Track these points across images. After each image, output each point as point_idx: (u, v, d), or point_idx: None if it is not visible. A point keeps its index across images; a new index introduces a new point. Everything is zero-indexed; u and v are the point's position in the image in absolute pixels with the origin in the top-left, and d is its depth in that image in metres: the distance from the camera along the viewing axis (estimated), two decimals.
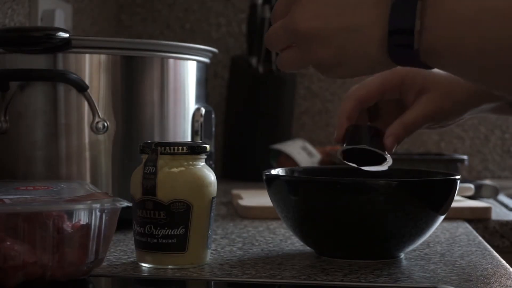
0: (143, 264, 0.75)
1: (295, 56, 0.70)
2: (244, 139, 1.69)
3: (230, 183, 1.54)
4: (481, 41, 0.62)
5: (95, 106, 0.92)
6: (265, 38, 0.73)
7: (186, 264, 0.75)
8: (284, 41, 0.70)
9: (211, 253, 0.81)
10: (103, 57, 0.93)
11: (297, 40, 0.68)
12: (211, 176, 0.77)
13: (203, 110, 1.01)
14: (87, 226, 0.65)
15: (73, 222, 0.65)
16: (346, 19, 0.66)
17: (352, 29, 0.65)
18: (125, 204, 0.67)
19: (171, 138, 0.97)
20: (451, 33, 0.62)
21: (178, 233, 0.74)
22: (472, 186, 1.29)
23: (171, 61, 0.97)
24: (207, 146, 0.77)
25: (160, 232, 0.73)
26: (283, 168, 0.87)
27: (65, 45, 0.90)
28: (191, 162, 0.75)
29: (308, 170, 0.93)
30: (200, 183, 0.75)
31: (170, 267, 0.74)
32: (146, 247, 0.74)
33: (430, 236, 0.92)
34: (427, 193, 0.76)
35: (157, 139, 0.96)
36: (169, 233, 0.73)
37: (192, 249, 0.74)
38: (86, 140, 0.92)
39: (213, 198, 0.76)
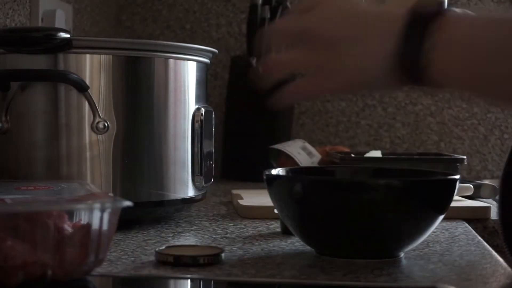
0: None
1: (299, 57, 0.71)
2: (244, 139, 1.70)
3: (230, 183, 1.55)
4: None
5: (95, 106, 0.92)
6: (271, 27, 0.73)
7: None
8: (293, 35, 0.71)
9: None
10: (103, 57, 0.93)
11: (308, 40, 0.69)
12: None
13: (203, 110, 1.01)
14: (88, 226, 0.66)
15: (74, 222, 0.65)
16: (361, 31, 0.67)
17: (364, 41, 0.67)
18: (126, 204, 0.67)
19: (171, 138, 0.97)
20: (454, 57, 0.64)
21: None
22: (471, 186, 1.29)
23: (171, 61, 0.98)
24: None
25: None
26: (283, 168, 0.88)
27: (66, 45, 0.90)
28: None
29: (308, 170, 0.93)
30: None
31: None
32: None
33: (429, 235, 0.92)
34: (426, 193, 0.77)
35: (157, 139, 0.96)
36: None
37: None
38: (87, 140, 0.92)
39: None
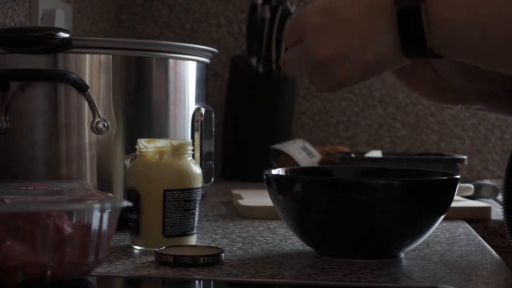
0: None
1: (319, 78, 0.72)
2: (244, 139, 1.70)
3: (230, 183, 1.55)
4: (483, 22, 0.64)
5: (95, 106, 0.92)
6: (281, 63, 0.75)
7: (141, 246, 0.83)
8: (302, 67, 0.73)
9: None
10: (103, 57, 0.93)
11: (316, 66, 0.71)
12: (168, 170, 0.82)
13: (203, 110, 1.01)
14: (88, 226, 0.66)
15: (74, 222, 0.65)
16: (356, 36, 0.68)
17: (363, 44, 0.68)
18: (125, 204, 0.67)
19: (171, 138, 0.97)
20: (456, 26, 0.65)
21: (133, 217, 0.82)
22: (471, 186, 1.29)
23: (171, 61, 0.98)
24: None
25: (127, 214, 0.82)
26: (283, 168, 0.88)
27: (66, 45, 0.90)
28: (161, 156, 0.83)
29: (308, 170, 0.93)
30: (150, 175, 0.82)
31: (134, 246, 0.84)
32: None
33: (430, 236, 0.92)
34: (427, 193, 0.77)
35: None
36: (129, 216, 0.83)
37: (145, 234, 0.82)
38: (86, 140, 0.92)
39: (168, 190, 0.81)
